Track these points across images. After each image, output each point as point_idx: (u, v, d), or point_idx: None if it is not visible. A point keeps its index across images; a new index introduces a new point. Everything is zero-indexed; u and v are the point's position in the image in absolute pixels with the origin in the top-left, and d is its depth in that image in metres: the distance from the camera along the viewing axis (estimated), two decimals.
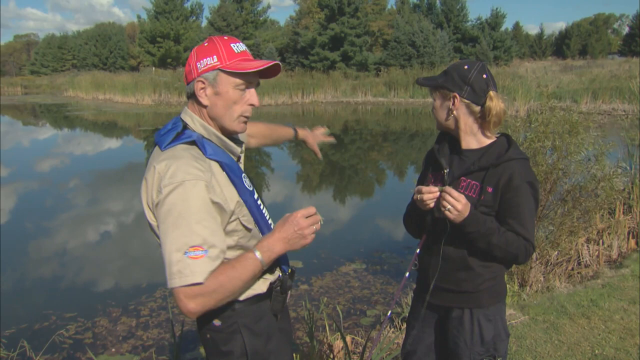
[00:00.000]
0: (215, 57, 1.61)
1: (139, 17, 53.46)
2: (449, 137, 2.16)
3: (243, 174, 1.71)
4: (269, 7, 48.90)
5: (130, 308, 5.01)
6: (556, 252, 4.97)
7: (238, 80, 1.62)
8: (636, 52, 49.35)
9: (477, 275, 2.04)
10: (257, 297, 1.72)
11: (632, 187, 6.63)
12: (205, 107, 1.66)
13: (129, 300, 5.16)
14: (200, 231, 1.48)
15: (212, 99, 1.64)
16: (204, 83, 1.63)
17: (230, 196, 1.61)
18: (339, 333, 3.61)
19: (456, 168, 2.07)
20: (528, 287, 4.71)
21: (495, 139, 2.07)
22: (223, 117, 1.65)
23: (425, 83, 2.09)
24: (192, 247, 1.47)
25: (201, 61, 1.62)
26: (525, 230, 1.95)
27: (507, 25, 61.54)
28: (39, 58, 65.65)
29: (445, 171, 2.06)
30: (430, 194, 1.92)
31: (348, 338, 3.68)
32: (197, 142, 1.61)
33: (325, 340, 3.74)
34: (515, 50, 51.03)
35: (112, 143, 18.21)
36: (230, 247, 1.63)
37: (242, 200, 1.65)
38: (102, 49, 58.57)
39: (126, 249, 7.08)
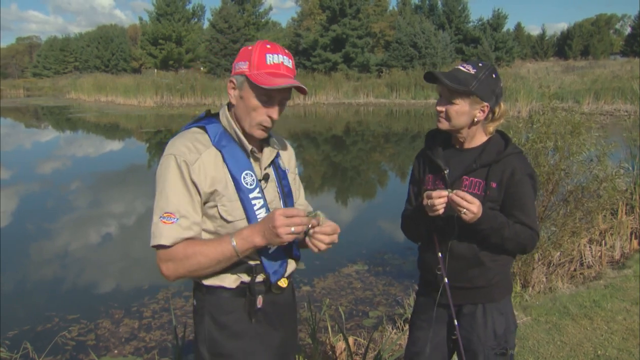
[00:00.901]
0: (247, 63, 1.67)
1: (140, 19, 53.51)
2: (440, 137, 2.16)
3: (245, 172, 1.72)
4: (270, 8, 48.99)
5: (133, 310, 5.02)
6: (558, 253, 4.96)
7: (259, 92, 1.66)
8: (638, 52, 49.25)
9: (488, 269, 2.07)
10: (224, 290, 1.74)
11: (635, 188, 6.62)
12: (233, 105, 1.75)
13: (131, 302, 5.17)
14: (174, 200, 1.64)
15: (237, 101, 1.72)
16: (234, 84, 1.72)
17: (210, 182, 1.67)
18: (341, 334, 3.61)
19: (455, 167, 2.07)
20: (530, 288, 4.70)
21: (490, 135, 2.10)
22: (243, 119, 1.73)
23: (454, 86, 1.95)
24: (166, 212, 1.64)
25: (238, 62, 1.71)
26: (530, 220, 2.02)
27: (509, 26, 61.72)
28: (41, 60, 65.85)
29: (446, 172, 2.07)
30: (440, 198, 1.89)
31: (350, 339, 3.68)
32: (207, 130, 1.73)
33: (327, 341, 3.74)
34: (517, 51, 51.00)
35: (114, 145, 18.25)
36: (209, 232, 1.73)
37: (223, 191, 1.69)
38: (104, 51, 58.69)
39: (128, 251, 7.09)
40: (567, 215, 4.51)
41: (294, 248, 1.86)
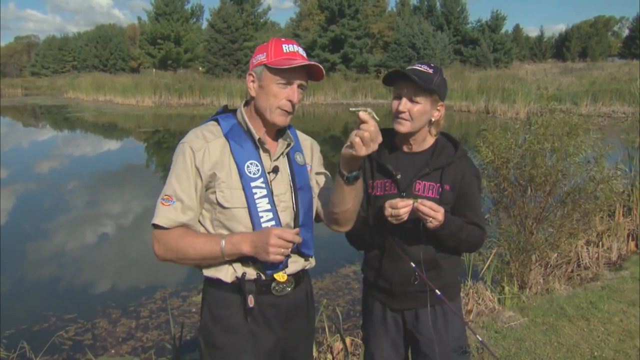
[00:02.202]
0: (264, 54, 1.75)
1: (139, 18, 53.57)
2: (385, 140, 2.13)
3: (250, 161, 1.77)
4: (269, 8, 49.02)
5: (130, 309, 5.01)
6: (556, 254, 4.97)
7: (278, 77, 1.72)
8: (636, 54, 49.30)
9: (443, 271, 2.08)
10: (221, 284, 1.78)
11: (632, 190, 6.64)
12: (253, 98, 1.81)
13: (128, 302, 5.16)
14: (174, 185, 1.74)
15: (258, 92, 1.78)
16: (253, 77, 1.80)
17: (211, 166, 1.74)
18: (338, 335, 3.61)
19: (406, 172, 2.05)
20: (527, 289, 4.71)
21: (435, 138, 2.11)
22: (264, 109, 1.77)
23: (422, 84, 1.92)
24: (166, 195, 1.75)
25: (255, 57, 1.80)
26: (479, 220, 2.07)
27: (507, 27, 61.58)
28: (40, 59, 65.62)
29: (398, 177, 2.04)
30: (406, 207, 1.86)
31: (347, 340, 3.68)
32: (220, 122, 1.82)
33: (324, 341, 3.74)
34: (515, 53, 51.04)
35: (113, 145, 18.22)
36: (211, 219, 1.79)
37: (224, 178, 1.74)
38: (102, 51, 58.54)
39: (126, 251, 7.08)
40: (565, 216, 4.52)
41: (302, 244, 1.84)
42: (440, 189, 2.02)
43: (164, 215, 1.73)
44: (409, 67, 2.01)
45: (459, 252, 2.15)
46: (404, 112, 1.98)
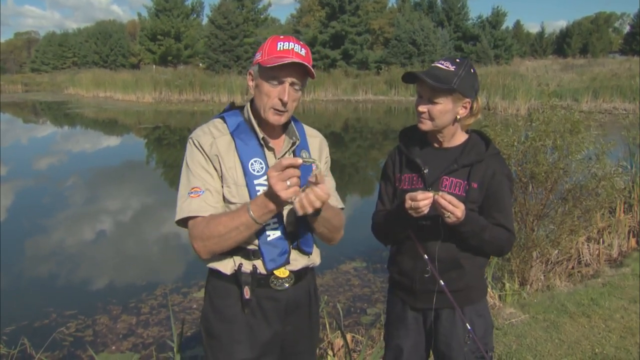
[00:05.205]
0: (260, 53, 1.76)
1: (139, 14, 53.51)
2: (416, 135, 2.11)
3: (254, 159, 1.78)
4: (269, 5, 48.82)
5: (131, 306, 5.01)
6: (557, 251, 4.97)
7: (269, 75, 1.73)
8: (637, 51, 49.22)
9: (466, 272, 2.03)
10: (221, 275, 1.80)
11: (633, 186, 6.63)
12: (253, 96, 1.84)
13: (129, 298, 5.16)
14: (198, 176, 1.75)
15: (255, 90, 1.81)
16: (251, 75, 1.82)
17: (220, 162, 1.77)
18: (339, 331, 3.61)
19: (434, 167, 2.02)
20: (528, 286, 4.71)
21: (468, 135, 2.08)
22: (259, 107, 1.79)
23: (438, 86, 1.90)
24: (193, 187, 1.75)
25: (255, 55, 1.81)
26: (508, 222, 2.01)
27: (508, 23, 61.54)
28: (40, 56, 65.52)
29: (425, 171, 2.02)
30: (426, 200, 1.81)
31: (348, 336, 3.68)
32: (226, 120, 1.84)
33: (325, 338, 3.74)
34: (516, 49, 50.97)
35: (113, 141, 18.21)
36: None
37: (230, 175, 1.76)
38: (102, 47, 58.46)
39: (126, 247, 7.09)
40: (566, 213, 4.52)
41: (302, 241, 1.84)
42: (467, 187, 1.97)
43: (198, 206, 1.71)
44: (433, 64, 1.99)
45: (484, 253, 2.06)
46: (424, 112, 1.97)
